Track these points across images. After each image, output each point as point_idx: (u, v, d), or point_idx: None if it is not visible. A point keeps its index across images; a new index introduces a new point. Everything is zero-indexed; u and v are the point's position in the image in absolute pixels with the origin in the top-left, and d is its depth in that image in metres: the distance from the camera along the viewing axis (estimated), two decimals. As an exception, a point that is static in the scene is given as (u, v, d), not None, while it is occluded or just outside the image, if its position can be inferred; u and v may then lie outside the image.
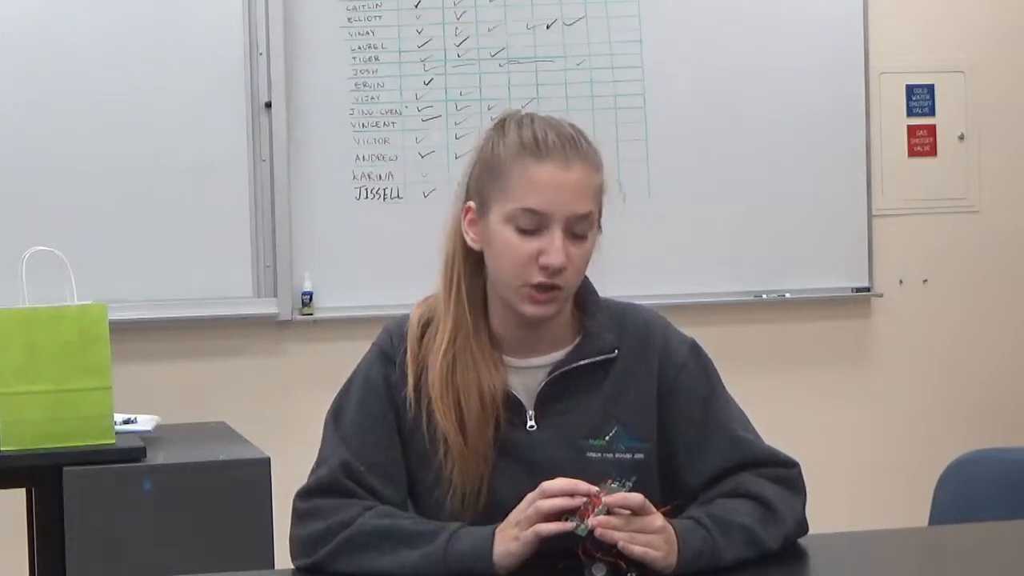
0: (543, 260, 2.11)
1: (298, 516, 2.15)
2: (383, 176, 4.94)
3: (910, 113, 5.39)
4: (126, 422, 3.55)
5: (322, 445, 2.21)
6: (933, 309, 5.42)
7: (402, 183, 4.95)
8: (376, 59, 4.94)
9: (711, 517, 2.09)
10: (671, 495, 2.19)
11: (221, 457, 3.38)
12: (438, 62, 4.97)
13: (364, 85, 4.93)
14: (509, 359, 2.19)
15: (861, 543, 2.30)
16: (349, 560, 2.07)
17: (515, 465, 2.14)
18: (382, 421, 2.19)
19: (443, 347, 2.16)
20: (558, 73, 5.03)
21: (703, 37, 5.13)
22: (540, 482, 2.04)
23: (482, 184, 2.20)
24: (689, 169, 5.12)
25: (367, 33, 4.93)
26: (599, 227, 2.19)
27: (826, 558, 2.19)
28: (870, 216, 5.27)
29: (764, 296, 5.21)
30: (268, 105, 4.81)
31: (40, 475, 3.28)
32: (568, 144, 2.14)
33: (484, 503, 2.12)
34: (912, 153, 5.39)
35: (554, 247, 2.10)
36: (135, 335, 4.69)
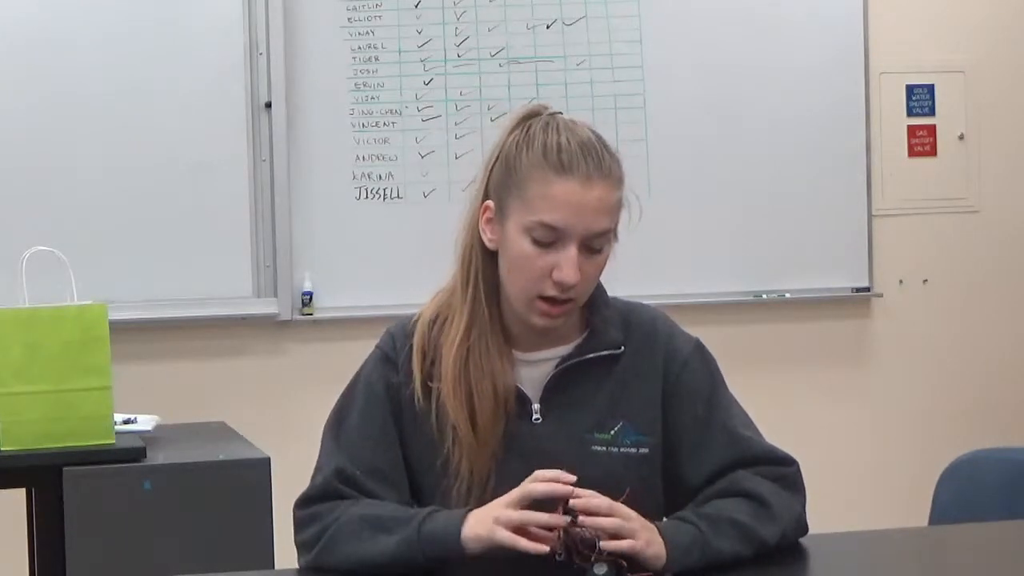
0: (556, 276, 2.11)
1: (297, 524, 2.17)
2: (383, 176, 4.94)
3: (910, 113, 5.39)
4: (126, 422, 3.55)
5: (320, 453, 2.22)
6: (933, 309, 5.42)
7: (402, 183, 4.95)
8: (376, 59, 4.94)
9: (698, 514, 2.10)
10: (671, 493, 2.21)
11: (221, 457, 3.38)
12: (438, 62, 4.97)
13: (364, 85, 4.93)
14: (516, 352, 2.20)
15: (861, 543, 2.30)
16: (337, 552, 2.09)
17: (519, 457, 2.15)
18: (382, 425, 2.19)
19: (458, 339, 2.17)
20: (558, 73, 5.03)
21: (703, 37, 5.13)
22: None
23: (502, 188, 2.17)
24: (689, 169, 5.12)
25: (367, 33, 4.93)
26: (615, 236, 2.20)
27: (826, 558, 2.19)
28: (870, 216, 5.27)
29: (764, 296, 5.21)
30: (268, 105, 4.81)
31: (40, 475, 3.28)
32: (592, 159, 2.12)
33: (490, 494, 2.12)
34: (912, 153, 5.39)
35: (568, 264, 2.10)
36: (135, 335, 4.69)
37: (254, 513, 3.27)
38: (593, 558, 1.98)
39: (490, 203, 2.18)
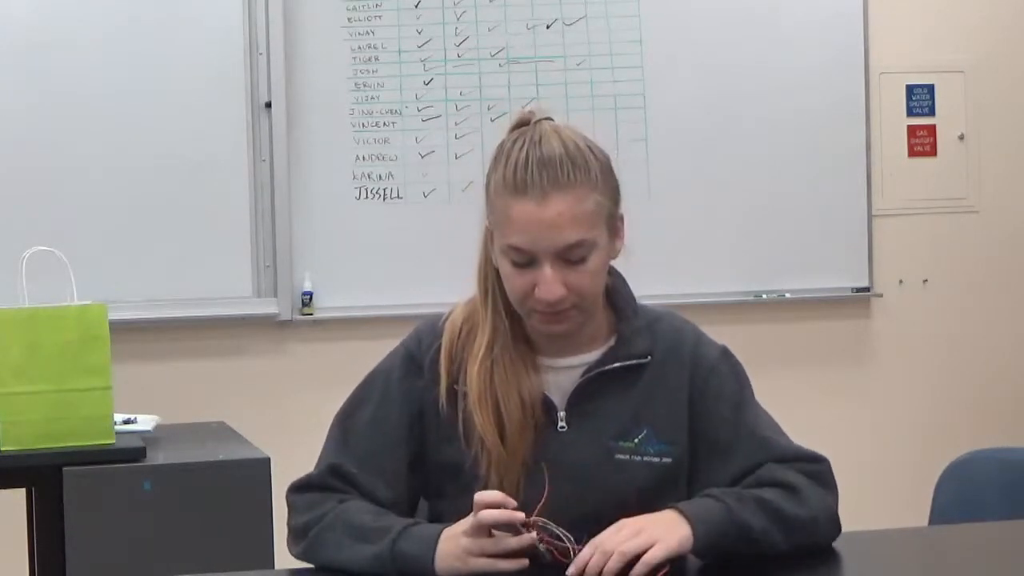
0: (537, 294, 2.11)
1: (288, 507, 2.18)
2: (383, 176, 4.94)
3: (910, 113, 5.39)
4: (126, 422, 3.55)
5: (324, 442, 2.22)
6: (933, 309, 5.42)
7: (402, 183, 4.95)
8: (376, 59, 4.94)
9: (724, 492, 2.08)
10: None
11: (221, 457, 3.38)
12: (438, 62, 4.97)
13: (364, 85, 4.93)
14: (543, 358, 2.20)
15: (861, 543, 2.30)
16: (321, 553, 2.11)
17: (541, 465, 2.14)
18: (394, 424, 2.19)
19: (481, 352, 2.17)
20: (558, 73, 5.03)
21: (703, 37, 5.13)
22: (570, 484, 2.10)
23: (487, 209, 2.18)
24: (689, 169, 5.12)
25: (367, 33, 4.93)
26: (617, 226, 2.17)
27: (826, 558, 2.18)
28: (870, 216, 5.27)
29: (764, 296, 5.21)
30: (268, 105, 4.81)
31: (40, 475, 3.28)
32: (547, 175, 2.08)
33: (520, 505, 2.12)
34: (912, 153, 5.39)
35: (544, 282, 2.09)
36: (135, 335, 4.69)
37: (254, 513, 3.27)
38: (572, 553, 1.98)
39: (487, 225, 2.19)
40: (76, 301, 3.31)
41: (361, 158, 4.93)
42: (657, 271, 4.97)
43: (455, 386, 2.18)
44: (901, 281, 5.39)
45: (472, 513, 2.00)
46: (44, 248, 3.34)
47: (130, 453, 3.30)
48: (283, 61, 4.82)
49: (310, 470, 2.21)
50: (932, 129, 5.40)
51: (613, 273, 2.23)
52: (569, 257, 2.10)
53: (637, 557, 1.95)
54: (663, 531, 1.99)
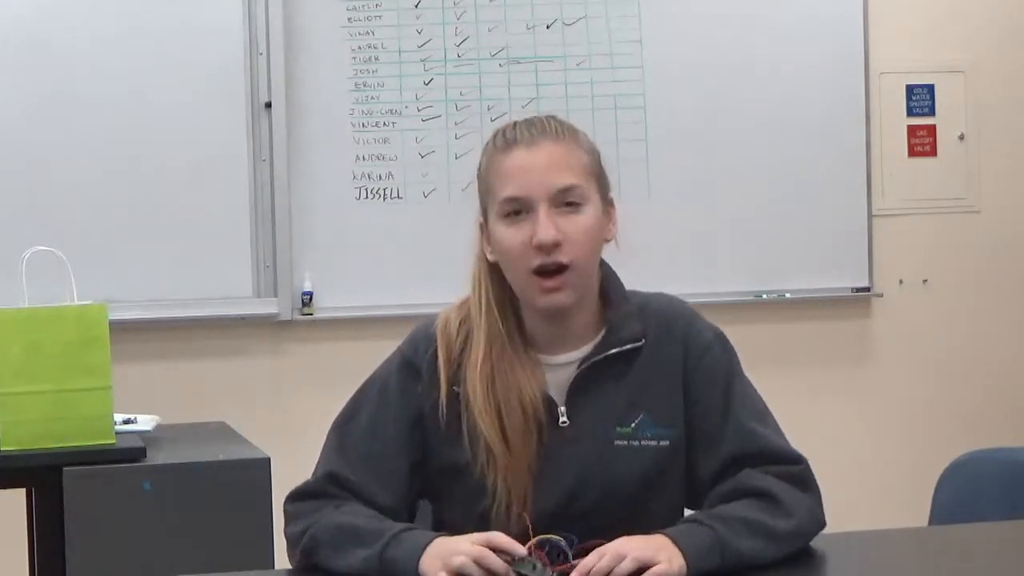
0: (535, 240, 2.12)
1: (285, 517, 2.19)
2: (383, 176, 4.94)
3: (910, 113, 5.39)
4: (126, 422, 3.55)
5: (322, 450, 2.23)
6: (933, 309, 5.42)
7: (402, 183, 4.95)
8: (376, 59, 4.94)
9: (710, 515, 2.09)
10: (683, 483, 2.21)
11: (221, 457, 3.38)
12: (438, 62, 4.97)
13: (364, 85, 4.93)
14: (543, 356, 2.21)
15: (861, 543, 2.30)
16: (316, 557, 2.11)
17: (549, 462, 2.16)
18: (392, 430, 2.20)
19: (480, 357, 2.17)
20: (558, 73, 5.03)
21: (703, 37, 5.13)
22: (573, 478, 2.12)
23: (481, 199, 2.23)
24: (689, 169, 5.12)
25: (367, 33, 4.93)
26: (608, 205, 2.21)
27: (826, 558, 2.18)
28: (870, 216, 5.27)
29: (764, 296, 5.21)
30: (268, 105, 4.81)
31: (40, 475, 3.28)
32: (535, 128, 2.18)
33: (529, 507, 2.12)
34: (912, 153, 5.39)
35: (541, 224, 2.12)
36: (135, 335, 4.69)
37: (254, 513, 3.27)
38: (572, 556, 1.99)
39: (480, 220, 2.23)
40: (76, 301, 3.31)
41: (361, 158, 4.93)
42: (657, 271, 4.95)
43: (454, 388, 2.18)
44: (901, 281, 5.39)
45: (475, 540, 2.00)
46: (44, 248, 3.33)
47: (130, 453, 3.30)
48: (283, 61, 4.82)
49: (309, 474, 2.22)
50: (932, 129, 5.40)
51: (603, 265, 2.25)
52: (563, 201, 2.14)
53: (643, 568, 1.96)
54: (668, 555, 1.99)
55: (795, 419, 5.15)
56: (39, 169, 4.66)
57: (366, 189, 4.94)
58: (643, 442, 2.17)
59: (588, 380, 2.19)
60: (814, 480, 2.19)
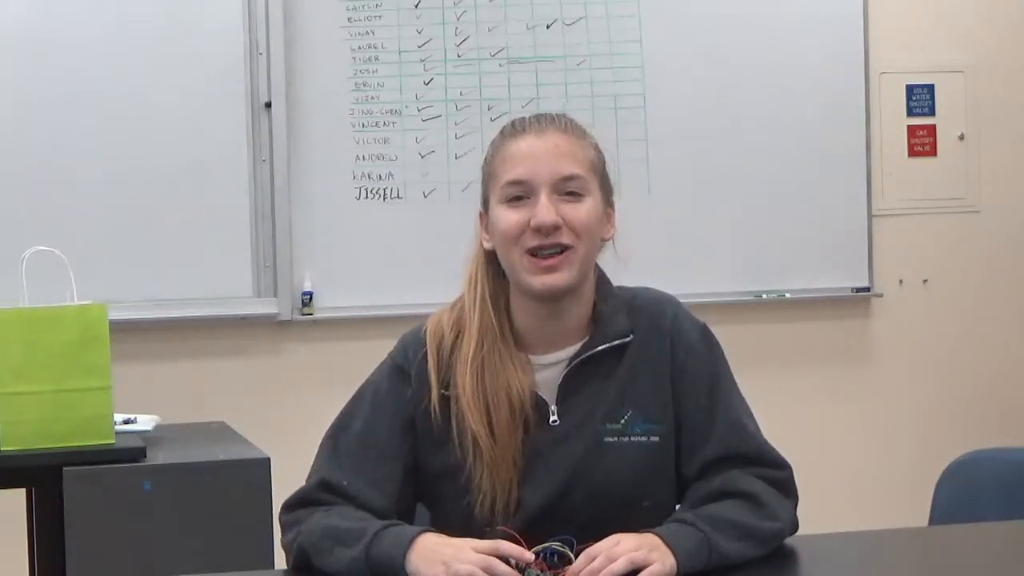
0: (534, 222, 2.14)
1: (281, 527, 2.19)
2: (383, 176, 4.94)
3: (910, 113, 5.39)
4: (126, 422, 3.55)
5: (315, 458, 2.23)
6: (933, 309, 5.42)
7: (402, 183, 4.95)
8: (376, 59, 4.94)
9: (698, 516, 2.09)
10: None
11: (221, 457, 3.38)
12: (438, 62, 4.97)
13: (364, 85, 4.93)
14: (532, 357, 2.21)
15: (861, 543, 2.30)
16: (307, 561, 2.11)
17: (540, 462, 2.16)
18: (386, 436, 2.20)
19: (471, 351, 2.18)
20: (558, 73, 5.03)
21: (703, 37, 5.13)
22: (563, 476, 2.12)
23: (483, 187, 2.25)
24: (689, 169, 5.12)
25: (367, 33, 4.93)
26: (608, 207, 2.23)
27: (825, 558, 2.19)
28: (870, 216, 5.27)
29: (764, 296, 5.21)
30: (268, 105, 4.81)
31: (40, 475, 3.28)
32: (544, 120, 2.22)
33: (513, 505, 2.13)
34: (912, 153, 5.39)
35: (542, 206, 2.14)
36: (135, 335, 4.69)
37: (254, 513, 3.27)
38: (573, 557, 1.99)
39: (480, 210, 2.25)
40: (76, 301, 3.31)
41: (361, 158, 4.93)
42: (657, 271, 4.93)
43: (444, 392, 2.19)
44: (901, 281, 5.39)
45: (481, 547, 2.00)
46: (44, 248, 3.33)
47: (130, 453, 3.30)
48: (283, 61, 4.82)
49: (306, 479, 2.22)
50: (932, 129, 5.40)
51: (595, 267, 2.26)
52: (565, 189, 2.16)
53: (638, 569, 1.96)
54: (660, 554, 1.99)
55: (795, 419, 5.20)
56: (39, 169, 4.66)
57: (366, 189, 4.94)
58: (633, 438, 2.17)
59: (578, 378, 2.19)
60: (795, 487, 2.21)
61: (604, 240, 2.24)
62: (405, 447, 2.20)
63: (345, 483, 2.16)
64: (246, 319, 4.86)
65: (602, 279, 2.26)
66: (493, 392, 2.16)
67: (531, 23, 5.02)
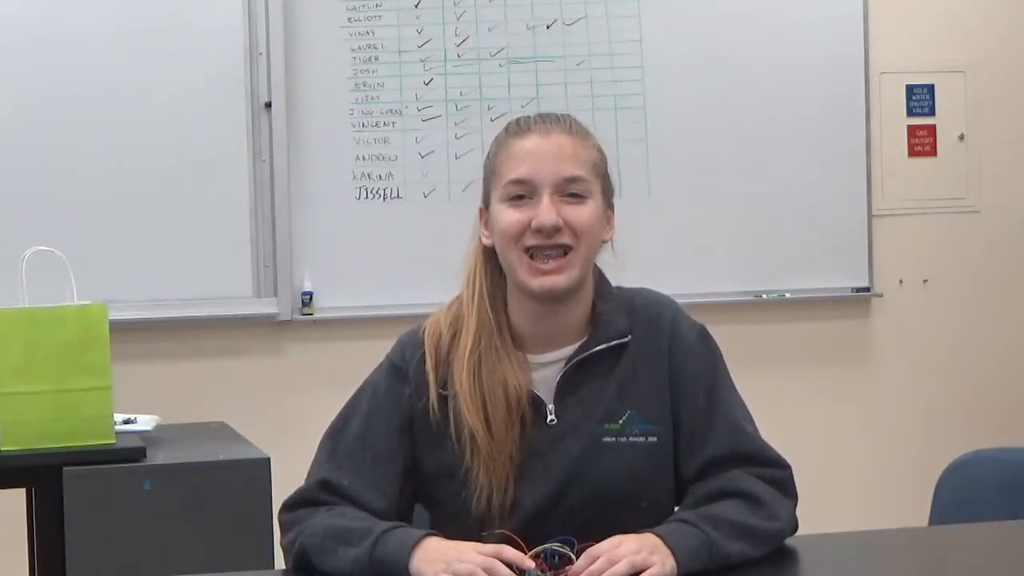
0: (535, 223, 2.15)
1: (280, 527, 2.19)
2: (383, 176, 4.94)
3: (910, 113, 5.39)
4: (126, 422, 3.55)
5: (314, 458, 2.23)
6: (933, 309, 5.42)
7: (402, 183, 4.95)
8: (376, 59, 4.94)
9: (699, 516, 2.09)
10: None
11: (221, 457, 3.38)
12: (438, 62, 4.97)
13: (364, 85, 4.93)
14: (530, 356, 2.21)
15: (861, 543, 2.30)
16: (308, 560, 2.11)
17: (538, 461, 2.16)
18: (384, 436, 2.20)
19: (468, 348, 2.19)
20: (558, 73, 5.03)
21: (703, 37, 5.13)
22: (561, 475, 2.12)
23: (485, 184, 2.25)
24: (689, 169, 5.12)
25: (367, 33, 4.93)
26: (609, 209, 2.23)
27: (825, 558, 2.19)
28: (870, 216, 5.27)
29: (764, 296, 5.21)
30: (268, 105, 4.81)
31: (40, 475, 3.28)
32: (549, 120, 2.22)
33: (509, 503, 2.13)
34: (912, 153, 5.39)
35: (543, 208, 2.14)
36: (135, 335, 4.69)
37: (254, 513, 3.27)
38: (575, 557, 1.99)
39: (481, 206, 2.25)
40: (76, 301, 3.31)
41: (361, 158, 4.93)
42: (657, 271, 4.94)
43: (442, 391, 2.19)
44: (901, 281, 5.39)
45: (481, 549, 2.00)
46: (44, 248, 3.34)
47: (130, 453, 3.30)
48: (283, 61, 4.82)
49: (305, 479, 2.22)
50: (932, 129, 5.40)
51: (594, 267, 2.26)
52: (567, 191, 2.16)
53: (639, 571, 1.96)
54: (660, 556, 1.99)
55: (795, 419, 5.20)
56: (39, 169, 4.66)
57: (366, 189, 4.94)
58: (631, 438, 2.18)
59: (576, 377, 2.19)
60: (795, 487, 2.21)
61: (603, 241, 2.24)
62: (403, 447, 2.20)
63: (345, 483, 2.16)
64: (246, 319, 4.86)
65: (601, 279, 2.27)
66: (490, 388, 2.16)
67: (531, 23, 5.02)
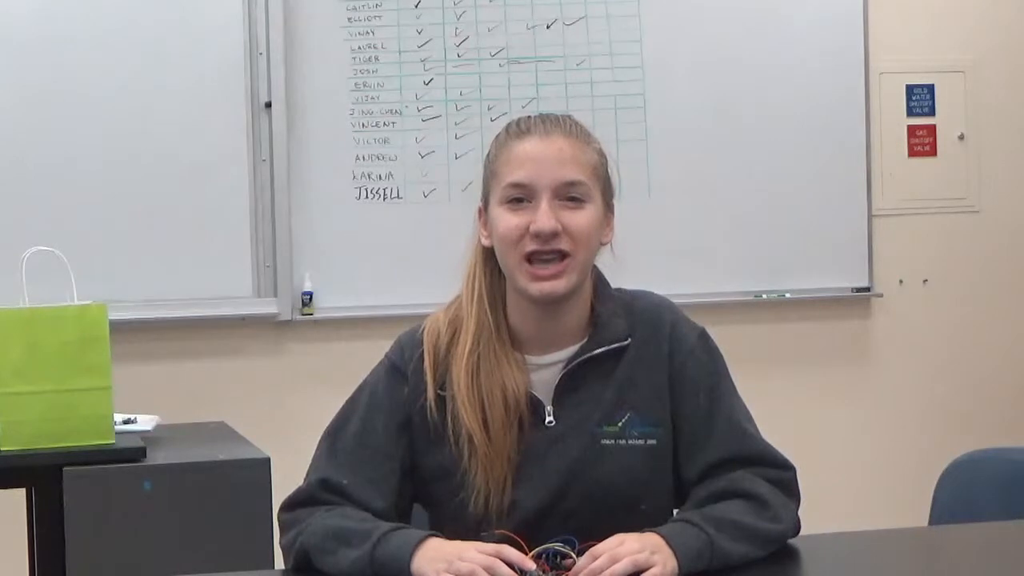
0: (533, 228, 2.14)
1: (279, 527, 2.20)
2: (383, 176, 4.94)
3: (910, 113, 5.39)
4: (126, 422, 3.55)
5: (313, 458, 2.23)
6: (933, 309, 5.42)
7: (402, 183, 4.95)
8: (376, 59, 4.94)
9: (702, 516, 2.09)
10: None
11: (221, 457, 3.38)
12: (438, 62, 4.97)
13: (364, 85, 4.93)
14: (529, 357, 2.21)
15: (861, 543, 2.30)
16: (308, 561, 2.11)
17: (536, 462, 2.16)
18: (383, 436, 2.20)
19: (467, 348, 2.18)
20: (558, 73, 5.03)
21: (703, 36, 5.14)
22: (559, 477, 2.12)
23: (484, 184, 2.24)
24: (689, 169, 5.12)
25: (367, 33, 4.93)
26: (608, 211, 2.22)
27: (825, 558, 2.19)
28: (870, 216, 5.27)
29: (764, 296, 5.21)
30: (268, 105, 4.81)
31: (40, 475, 3.28)
32: (549, 122, 2.21)
33: (507, 504, 2.13)
34: (912, 153, 5.39)
35: (542, 213, 2.14)
36: (135, 335, 4.69)
37: (254, 513, 3.27)
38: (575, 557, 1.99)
39: (480, 206, 2.25)
40: (76, 301, 3.31)
41: (361, 158, 4.93)
42: (657, 271, 4.96)
43: (440, 391, 2.19)
44: (901, 281, 5.39)
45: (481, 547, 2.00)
46: (44, 248, 3.33)
47: (130, 453, 3.30)
48: (283, 61, 4.82)
49: (304, 478, 2.22)
50: (932, 129, 5.40)
51: (593, 268, 2.26)
52: (567, 195, 2.16)
53: (640, 571, 1.96)
54: (662, 556, 1.99)
55: (795, 419, 5.19)
56: (39, 169, 4.66)
57: (366, 189, 4.94)
58: (630, 441, 2.17)
59: (575, 379, 2.19)
60: (799, 489, 2.21)
61: (603, 244, 2.23)
62: (401, 447, 2.20)
63: (344, 482, 2.16)
64: (246, 319, 4.86)
65: (600, 281, 2.26)
66: (488, 389, 2.16)
67: (531, 23, 5.02)
